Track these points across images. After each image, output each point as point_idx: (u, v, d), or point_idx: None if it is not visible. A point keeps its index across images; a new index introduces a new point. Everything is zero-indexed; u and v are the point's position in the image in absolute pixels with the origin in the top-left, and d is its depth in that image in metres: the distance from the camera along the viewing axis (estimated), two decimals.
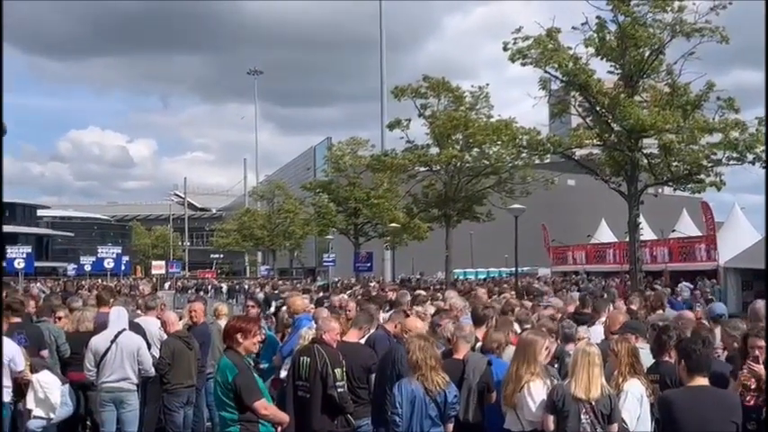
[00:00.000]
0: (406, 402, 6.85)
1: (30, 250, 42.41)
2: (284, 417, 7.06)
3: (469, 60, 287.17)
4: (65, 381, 9.38)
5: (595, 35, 25.72)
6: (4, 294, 19.55)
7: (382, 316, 11.33)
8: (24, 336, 9.79)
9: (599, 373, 6.25)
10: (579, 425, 6.13)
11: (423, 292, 17.01)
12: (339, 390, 7.69)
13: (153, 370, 9.75)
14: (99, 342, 9.54)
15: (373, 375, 8.20)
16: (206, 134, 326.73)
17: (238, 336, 6.87)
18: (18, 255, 39.06)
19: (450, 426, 7.01)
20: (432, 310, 11.50)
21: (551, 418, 6.27)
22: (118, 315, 9.86)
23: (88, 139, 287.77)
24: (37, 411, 8.73)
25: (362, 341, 8.98)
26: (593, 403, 6.14)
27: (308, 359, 7.87)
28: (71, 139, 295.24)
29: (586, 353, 6.30)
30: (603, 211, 51.96)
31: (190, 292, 51.79)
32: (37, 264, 49.82)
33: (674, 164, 26.14)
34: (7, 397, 8.36)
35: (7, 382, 8.32)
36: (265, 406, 6.76)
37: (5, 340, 8.61)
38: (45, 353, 10.16)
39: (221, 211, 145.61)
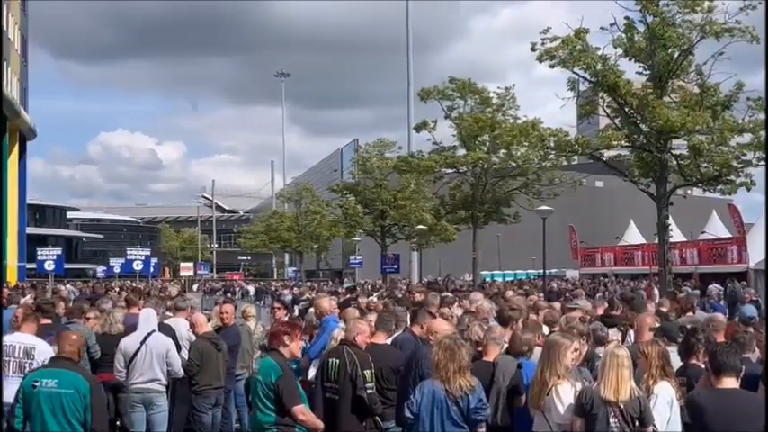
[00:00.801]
0: (425, 401, 6.72)
1: (60, 252, 42.81)
2: (320, 424, 7.10)
3: (496, 62, 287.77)
4: None
5: (624, 36, 25.50)
6: (33, 296, 19.85)
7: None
8: (55, 337, 9.87)
9: (628, 376, 6.16)
10: (608, 428, 6.06)
11: (449, 294, 16.88)
12: (368, 391, 7.68)
13: (182, 371, 9.80)
14: (129, 343, 9.63)
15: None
16: (234, 137, 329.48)
17: (285, 338, 6.96)
18: (48, 257, 39.39)
19: (482, 431, 6.87)
20: (459, 312, 11.41)
21: (579, 421, 6.21)
22: (147, 317, 9.95)
23: (117, 142, 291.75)
24: None
25: (388, 342, 8.95)
26: (622, 406, 6.07)
27: (337, 361, 7.86)
28: (101, 141, 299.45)
29: (615, 355, 6.22)
30: (632, 213, 51.64)
31: (218, 293, 51.96)
32: (67, 266, 50.22)
33: (704, 165, 25.85)
34: None
35: None
36: (303, 411, 6.81)
37: (38, 341, 8.74)
38: None
39: (249, 213, 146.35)
